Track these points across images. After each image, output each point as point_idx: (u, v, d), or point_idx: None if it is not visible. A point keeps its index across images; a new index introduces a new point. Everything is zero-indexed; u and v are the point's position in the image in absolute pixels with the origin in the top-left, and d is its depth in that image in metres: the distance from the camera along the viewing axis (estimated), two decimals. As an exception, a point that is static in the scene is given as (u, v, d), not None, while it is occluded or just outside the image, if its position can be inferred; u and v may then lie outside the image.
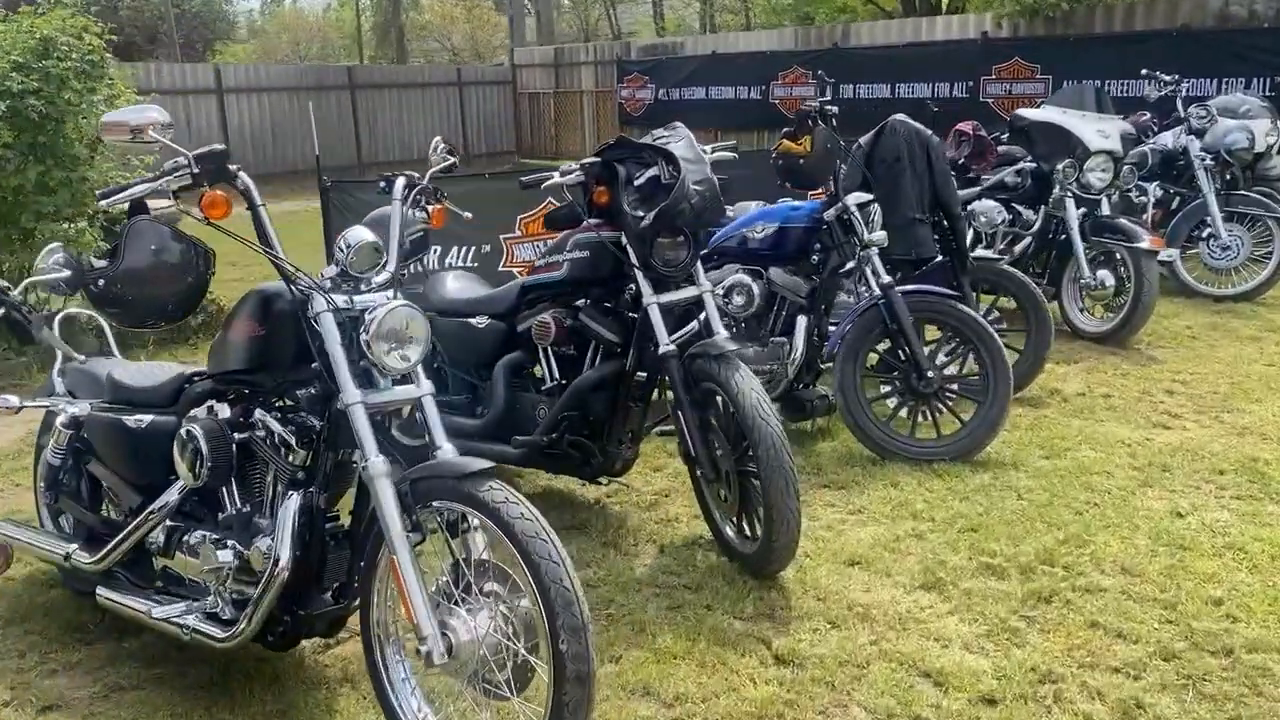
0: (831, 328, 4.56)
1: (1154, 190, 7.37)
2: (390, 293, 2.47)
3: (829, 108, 4.33)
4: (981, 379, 4.26)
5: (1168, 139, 7.52)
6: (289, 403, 2.56)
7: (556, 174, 3.52)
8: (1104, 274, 5.96)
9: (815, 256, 4.48)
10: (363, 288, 2.46)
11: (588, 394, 3.56)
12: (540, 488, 4.09)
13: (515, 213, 6.61)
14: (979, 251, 6.00)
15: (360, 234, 2.46)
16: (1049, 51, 11.26)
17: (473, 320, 3.94)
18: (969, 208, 6.50)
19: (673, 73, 15.77)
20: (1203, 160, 7.05)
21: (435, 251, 6.41)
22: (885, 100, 12.88)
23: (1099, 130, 6.07)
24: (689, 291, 3.48)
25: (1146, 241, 5.75)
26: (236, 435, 2.58)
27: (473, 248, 6.48)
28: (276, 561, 2.40)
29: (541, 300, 3.79)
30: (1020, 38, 11.57)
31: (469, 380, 4.01)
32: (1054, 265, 6.31)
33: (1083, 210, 6.14)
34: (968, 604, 3.09)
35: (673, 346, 3.35)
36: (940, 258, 5.07)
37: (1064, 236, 6.13)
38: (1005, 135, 6.72)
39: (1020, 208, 6.48)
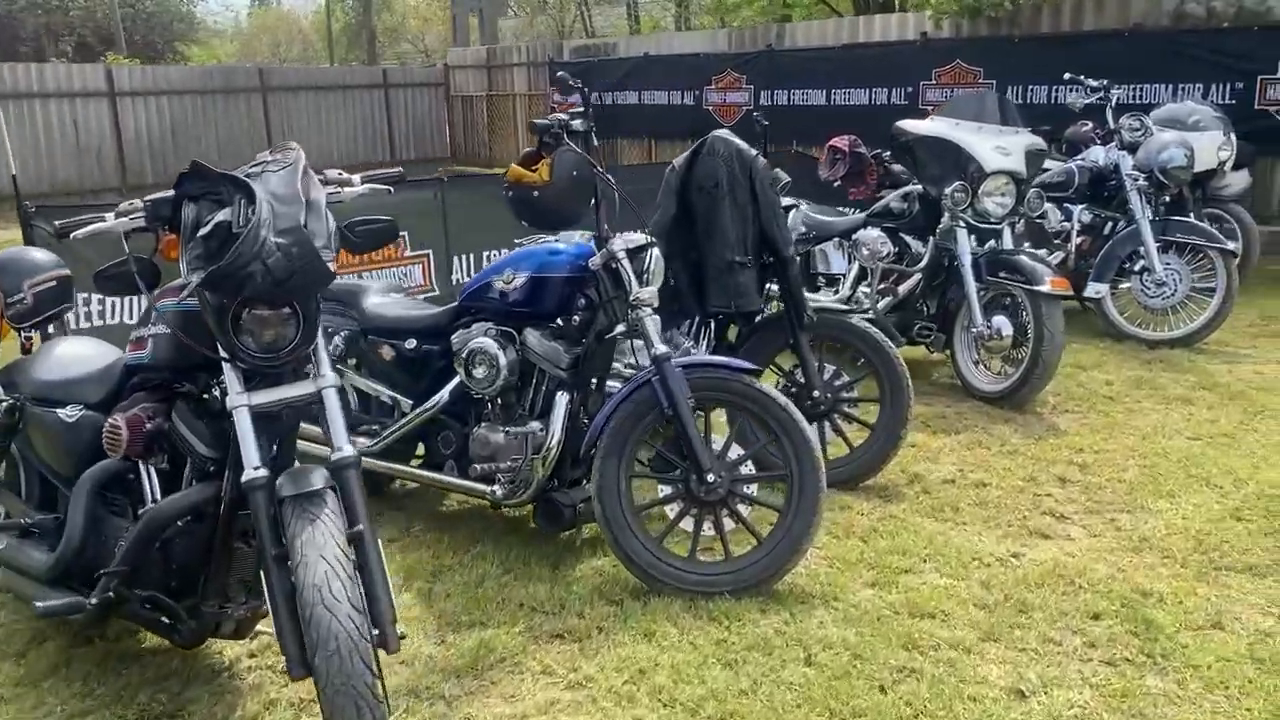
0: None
1: (1080, 215, 6.33)
2: None
3: (575, 123, 3.26)
4: (786, 481, 3.21)
5: (1098, 154, 6.48)
6: None
7: (111, 215, 2.45)
8: (1000, 320, 4.92)
9: (578, 315, 3.41)
10: None
11: (166, 529, 2.49)
12: (157, 645, 2.99)
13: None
14: (821, 299, 5.00)
15: None
16: (992, 53, 10.21)
17: (63, 411, 2.86)
18: (854, 237, 5.49)
19: (605, 75, 14.68)
20: (1135, 180, 6.01)
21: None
22: (821, 107, 11.84)
23: (997, 147, 5.01)
24: (299, 388, 2.42)
25: (1047, 283, 4.70)
26: None
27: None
28: None
29: (145, 388, 2.72)
30: (961, 38, 10.51)
31: (66, 495, 2.94)
32: (946, 308, 5.26)
33: (989, 244, 5.11)
34: None
35: (262, 472, 2.29)
36: (766, 310, 4.09)
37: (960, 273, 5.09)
38: (888, 153, 5.67)
39: (909, 238, 5.44)
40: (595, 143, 3.33)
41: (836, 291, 5.65)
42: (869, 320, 5.31)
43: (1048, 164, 7.25)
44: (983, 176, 4.98)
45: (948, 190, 4.98)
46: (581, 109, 3.29)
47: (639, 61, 14.22)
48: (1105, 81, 6.49)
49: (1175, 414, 4.76)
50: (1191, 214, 7.09)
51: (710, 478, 3.14)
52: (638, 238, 3.32)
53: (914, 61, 10.87)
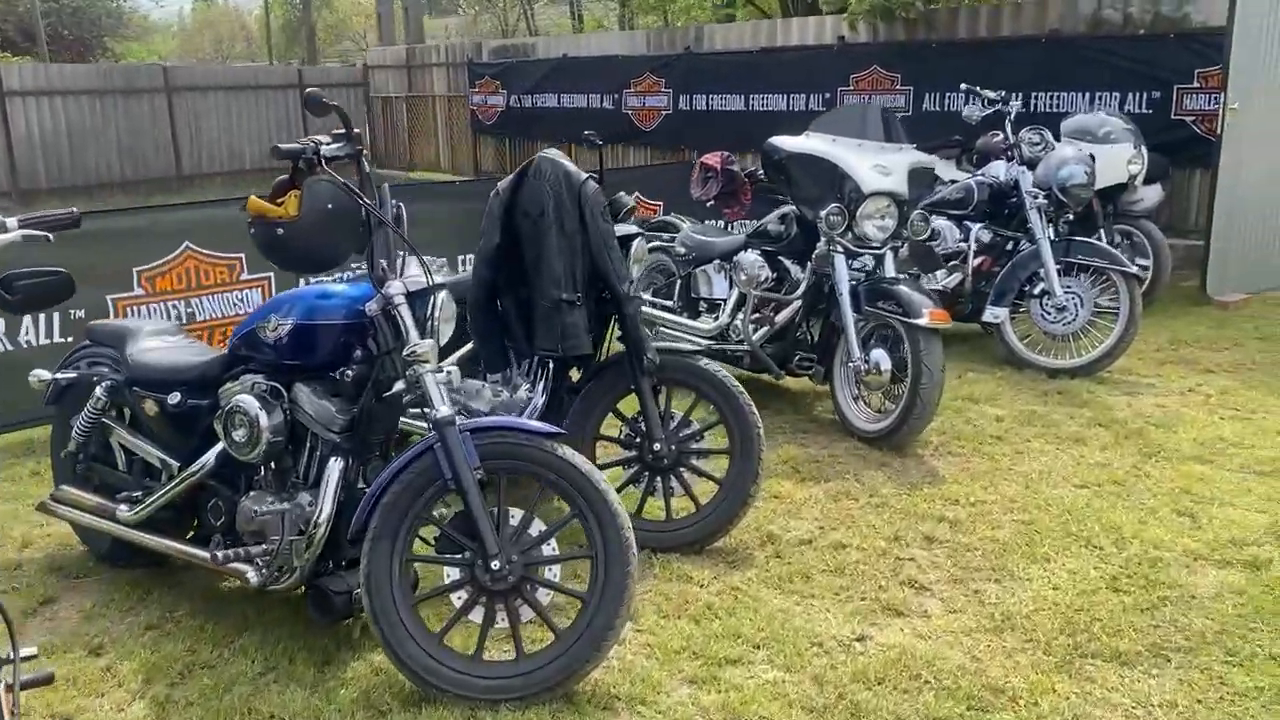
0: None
1: (978, 234, 5.96)
2: None
3: (332, 146, 2.79)
4: (591, 564, 2.77)
5: (999, 169, 6.12)
6: None
7: None
8: (879, 354, 4.53)
9: (355, 369, 2.94)
10: None
11: None
12: None
13: (130, 263, 5.04)
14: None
15: None
16: (909, 59, 9.86)
17: None
18: (734, 260, 5.11)
19: (524, 77, 14.19)
20: (1034, 198, 5.66)
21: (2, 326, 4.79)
22: (740, 113, 11.46)
23: (876, 165, 4.63)
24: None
25: (925, 316, 4.31)
26: None
27: (67, 311, 4.86)
28: None
29: None
30: (879, 43, 10.16)
31: None
32: (828, 338, 4.87)
33: (877, 271, 4.72)
34: None
35: None
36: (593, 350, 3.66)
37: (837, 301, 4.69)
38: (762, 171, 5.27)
39: (789, 262, 5.04)
40: (369, 168, 2.86)
41: (717, 317, 5.26)
42: (745, 351, 4.96)
43: (956, 176, 6.93)
44: (861, 198, 4.59)
45: (823, 213, 4.59)
46: (344, 130, 2.81)
47: (557, 63, 13.74)
48: (1003, 92, 6.14)
49: (1065, 456, 4.39)
50: (1101, 230, 6.80)
51: (496, 564, 2.69)
52: (419, 279, 2.85)
53: (832, 66, 10.51)
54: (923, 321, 4.29)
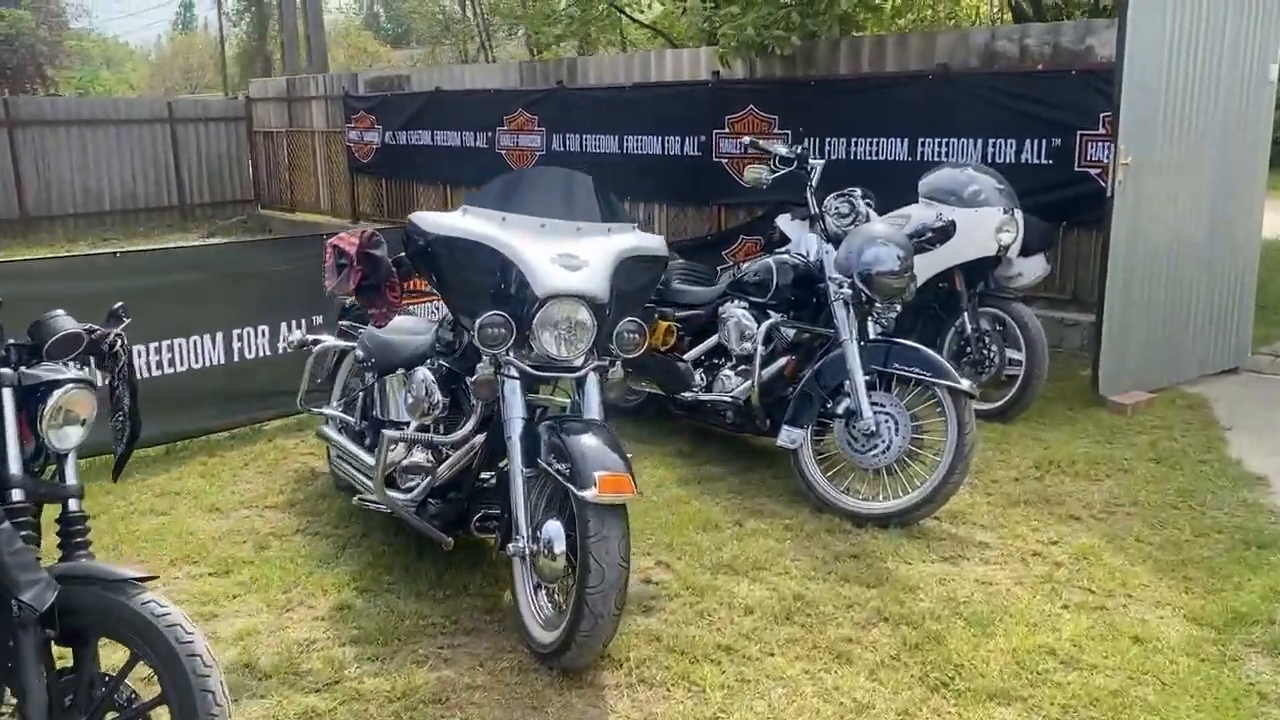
0: None
1: (774, 328, 4.58)
2: None
3: None
4: None
5: (812, 245, 4.75)
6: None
7: None
8: (553, 529, 3.10)
9: None
10: None
11: None
12: None
13: None
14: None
15: None
16: (787, 99, 8.53)
17: None
18: (410, 373, 3.73)
19: (398, 112, 12.83)
20: (839, 286, 4.29)
21: None
22: (614, 156, 10.10)
23: (561, 255, 3.23)
24: None
25: (593, 486, 2.89)
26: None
27: None
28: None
29: None
30: (756, 80, 8.82)
31: None
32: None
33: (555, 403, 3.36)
34: None
35: None
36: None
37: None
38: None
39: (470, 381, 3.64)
40: None
41: (399, 448, 3.84)
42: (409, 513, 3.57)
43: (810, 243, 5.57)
44: (536, 303, 3.19)
45: (478, 322, 3.19)
46: None
47: (430, 97, 12.40)
48: (800, 149, 4.76)
49: (810, 687, 2.98)
50: (965, 315, 5.50)
51: None
52: None
53: (708, 106, 9.18)
54: (589, 495, 2.88)
